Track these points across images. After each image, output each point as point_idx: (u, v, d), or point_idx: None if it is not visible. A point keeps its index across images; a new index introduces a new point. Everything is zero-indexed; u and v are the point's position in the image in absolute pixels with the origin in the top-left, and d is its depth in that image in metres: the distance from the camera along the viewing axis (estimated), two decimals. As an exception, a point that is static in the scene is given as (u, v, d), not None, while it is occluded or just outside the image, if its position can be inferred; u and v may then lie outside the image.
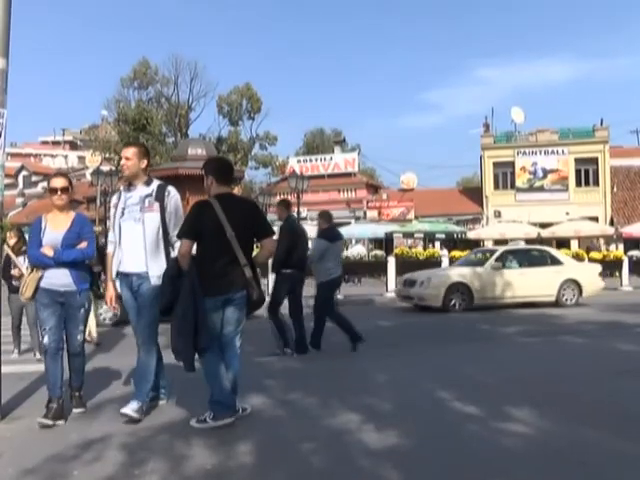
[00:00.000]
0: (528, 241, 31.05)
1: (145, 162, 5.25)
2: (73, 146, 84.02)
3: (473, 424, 4.74)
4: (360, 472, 3.78)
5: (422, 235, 34.37)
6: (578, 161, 38.42)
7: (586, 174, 38.53)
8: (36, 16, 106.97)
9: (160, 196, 5.10)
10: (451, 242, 32.80)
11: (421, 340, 10.25)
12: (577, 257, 21.38)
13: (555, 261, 16.30)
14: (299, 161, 46.63)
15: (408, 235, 34.65)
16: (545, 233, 30.80)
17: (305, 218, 35.94)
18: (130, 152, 5.23)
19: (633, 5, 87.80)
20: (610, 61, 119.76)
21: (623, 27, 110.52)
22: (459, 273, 15.45)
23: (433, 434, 4.57)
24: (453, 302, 14.65)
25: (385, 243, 33.91)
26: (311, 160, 46.79)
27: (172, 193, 5.15)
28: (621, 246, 31.88)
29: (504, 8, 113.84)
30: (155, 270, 4.93)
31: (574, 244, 32.44)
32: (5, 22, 5.04)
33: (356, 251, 28.06)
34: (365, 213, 42.12)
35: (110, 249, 5.28)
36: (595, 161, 38.33)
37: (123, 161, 5.25)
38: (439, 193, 43.57)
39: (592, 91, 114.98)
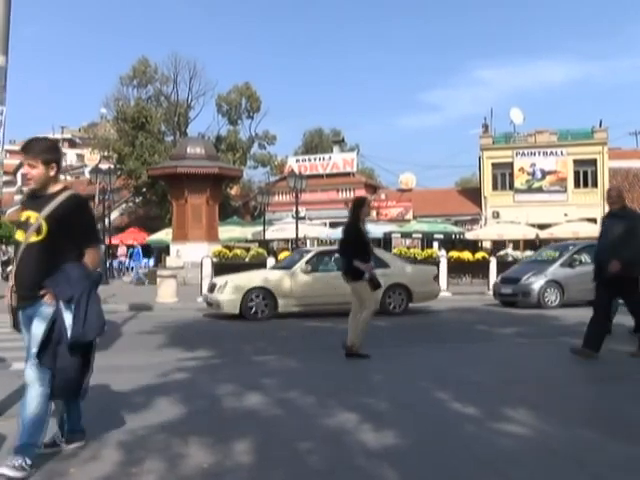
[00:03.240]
0: (526, 242, 31.19)
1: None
2: (72, 144, 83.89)
3: (470, 424, 4.75)
4: (357, 471, 3.78)
5: (420, 235, 34.42)
6: (577, 162, 38.48)
7: (585, 176, 38.58)
8: (36, 14, 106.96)
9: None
10: (449, 243, 32.85)
11: (419, 340, 10.25)
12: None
13: (380, 263, 13.73)
14: (298, 160, 46.63)
15: (406, 235, 34.69)
16: (543, 234, 30.87)
17: (303, 218, 35.98)
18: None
19: (632, 7, 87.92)
20: (609, 63, 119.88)
21: (623, 29, 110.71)
22: (262, 277, 14.40)
23: (431, 434, 4.58)
24: (253, 309, 13.39)
25: (383, 243, 33.93)
26: (310, 160, 46.80)
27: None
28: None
29: (504, 9, 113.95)
30: None
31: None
32: (5, 20, 5.04)
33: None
34: (364, 213, 42.06)
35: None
36: (594, 163, 38.38)
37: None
38: (437, 193, 43.61)
39: (591, 93, 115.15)
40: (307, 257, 14.38)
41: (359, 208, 8.19)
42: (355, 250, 7.97)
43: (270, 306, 13.47)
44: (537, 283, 15.91)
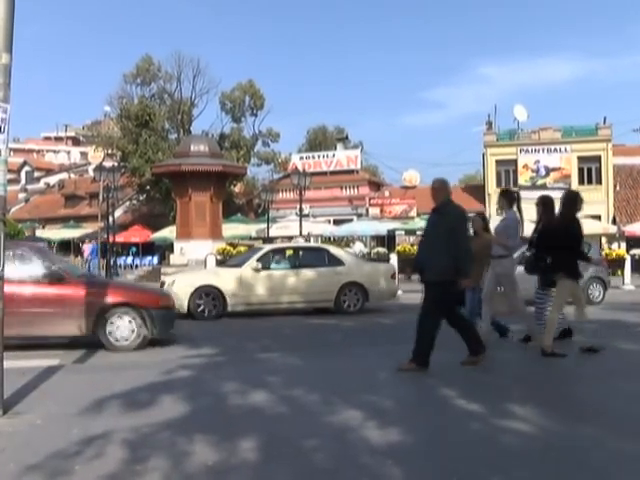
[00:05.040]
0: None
1: None
2: (75, 142, 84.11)
3: (474, 422, 4.74)
4: (362, 469, 3.77)
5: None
6: (581, 159, 38.36)
7: (589, 172, 38.47)
8: (40, 12, 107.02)
9: None
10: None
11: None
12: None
13: (335, 261, 14.06)
14: (302, 158, 46.63)
15: (410, 232, 34.65)
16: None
17: (307, 215, 35.98)
18: None
19: (636, 4, 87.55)
20: (614, 60, 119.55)
21: (626, 26, 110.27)
22: (210, 275, 14.17)
23: (435, 432, 4.57)
24: (201, 308, 13.05)
25: (387, 240, 33.92)
26: (314, 157, 46.81)
27: None
28: (623, 244, 31.86)
29: (506, 7, 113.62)
30: None
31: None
32: (8, 18, 5.04)
33: (357, 248, 28.04)
34: (367, 210, 42.12)
35: None
36: (598, 159, 38.25)
37: None
38: (441, 191, 43.46)
39: (595, 89, 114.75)
40: (258, 254, 14.06)
41: (574, 203, 7.99)
42: (573, 247, 7.62)
43: (219, 305, 13.14)
44: None
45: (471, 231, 8.64)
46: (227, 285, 13.32)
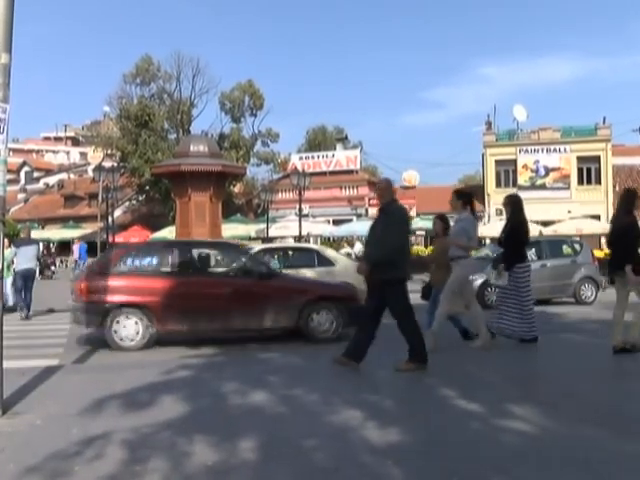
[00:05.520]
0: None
1: None
2: (75, 142, 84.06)
3: (475, 422, 4.74)
4: (362, 469, 3.77)
5: (424, 233, 34.40)
6: (580, 159, 38.37)
7: (588, 172, 38.48)
8: (39, 12, 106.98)
9: None
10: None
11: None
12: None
13: (324, 262, 13.60)
14: (301, 158, 46.60)
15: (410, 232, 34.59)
16: (547, 231, 30.76)
17: (307, 215, 35.97)
18: None
19: (636, 3, 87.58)
20: (613, 59, 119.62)
21: (626, 26, 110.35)
22: None
23: (435, 431, 4.57)
24: None
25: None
26: (313, 157, 46.78)
27: None
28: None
29: (506, 6, 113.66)
30: None
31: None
32: (8, 17, 5.03)
33: (357, 249, 28.03)
34: (367, 210, 42.07)
35: None
36: (597, 159, 38.26)
37: None
38: (441, 191, 43.38)
39: (595, 89, 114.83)
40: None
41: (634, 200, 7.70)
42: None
43: None
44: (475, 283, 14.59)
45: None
46: None
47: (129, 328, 8.97)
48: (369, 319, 6.93)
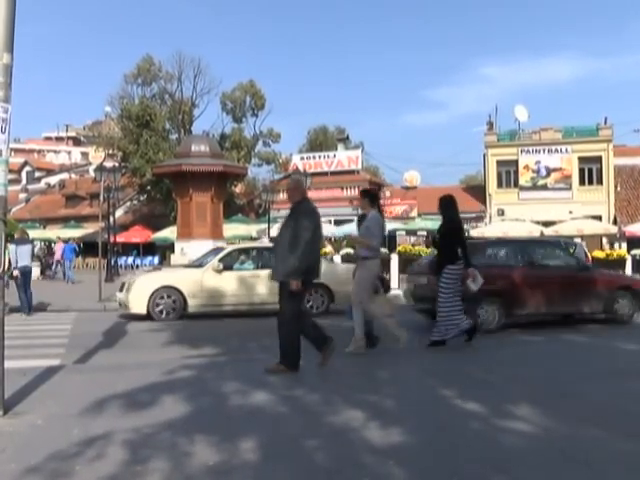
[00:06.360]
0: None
1: None
2: (76, 142, 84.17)
3: (475, 422, 4.73)
4: (363, 469, 3.77)
5: (425, 233, 34.38)
6: (582, 160, 38.37)
7: (589, 173, 38.47)
8: (41, 12, 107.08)
9: None
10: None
11: (422, 338, 10.22)
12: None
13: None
14: (302, 158, 46.66)
15: (411, 233, 34.68)
16: (548, 232, 30.78)
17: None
18: None
19: (637, 3, 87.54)
20: (615, 59, 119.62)
21: (627, 25, 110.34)
22: (171, 276, 13.80)
23: (436, 432, 4.56)
24: (160, 309, 12.85)
25: (388, 241, 33.86)
26: (314, 157, 46.82)
27: None
28: (624, 245, 31.85)
29: (508, 6, 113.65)
30: None
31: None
32: (9, 17, 5.03)
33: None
34: (368, 211, 42.05)
35: None
36: (599, 160, 38.26)
37: None
38: (442, 191, 43.05)
39: (596, 90, 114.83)
40: (220, 255, 13.69)
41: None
42: None
43: (179, 306, 12.95)
44: None
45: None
46: (187, 286, 13.07)
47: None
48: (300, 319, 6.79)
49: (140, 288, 13.04)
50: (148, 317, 12.75)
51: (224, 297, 13.29)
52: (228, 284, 13.27)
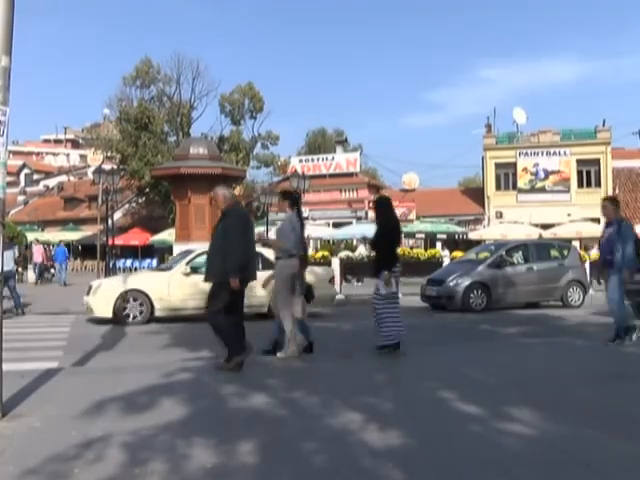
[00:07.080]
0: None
1: None
2: (75, 144, 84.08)
3: (475, 424, 4.73)
4: (362, 472, 3.77)
5: (423, 235, 34.41)
6: (580, 162, 38.41)
7: (588, 175, 38.52)
8: (39, 14, 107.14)
9: None
10: (452, 243, 32.84)
11: (422, 340, 10.22)
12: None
13: (269, 265, 11.62)
14: (301, 161, 46.67)
15: (409, 235, 34.64)
16: (547, 234, 30.79)
17: (306, 218, 35.93)
18: None
19: (637, 5, 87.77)
20: (614, 62, 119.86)
21: (626, 27, 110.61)
22: (138, 279, 13.61)
23: (435, 434, 4.56)
24: (127, 312, 12.72)
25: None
26: (313, 160, 46.83)
27: None
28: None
29: (507, 8, 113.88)
30: None
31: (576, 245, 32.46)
32: (8, 20, 5.03)
33: (357, 251, 28.06)
34: (367, 213, 42.07)
35: None
36: (597, 162, 38.31)
37: None
38: (441, 193, 43.58)
39: (595, 92, 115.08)
40: (188, 258, 13.37)
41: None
42: None
43: (146, 310, 12.80)
44: (462, 285, 15.10)
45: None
46: (154, 290, 12.92)
47: None
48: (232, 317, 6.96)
49: (105, 291, 12.90)
50: (115, 321, 12.56)
51: (189, 301, 12.84)
52: (194, 288, 12.40)
